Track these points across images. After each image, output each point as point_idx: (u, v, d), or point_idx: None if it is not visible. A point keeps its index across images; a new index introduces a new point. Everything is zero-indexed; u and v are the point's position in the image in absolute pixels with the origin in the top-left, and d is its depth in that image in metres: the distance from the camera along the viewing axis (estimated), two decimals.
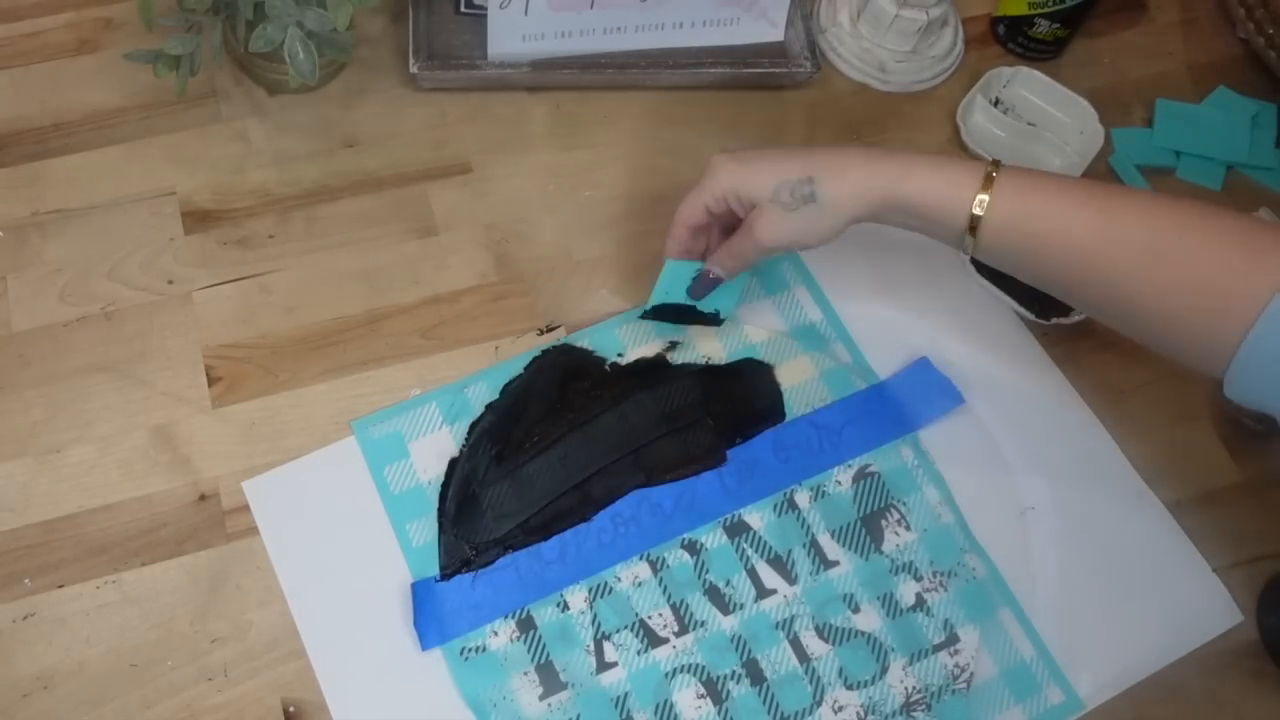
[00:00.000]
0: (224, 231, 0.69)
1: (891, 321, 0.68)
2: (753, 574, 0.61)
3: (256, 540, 0.60)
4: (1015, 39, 0.80)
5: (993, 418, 0.65)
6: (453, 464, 0.62)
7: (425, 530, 0.60)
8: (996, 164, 0.54)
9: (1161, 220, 0.50)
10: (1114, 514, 0.63)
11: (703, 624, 0.59)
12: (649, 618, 0.59)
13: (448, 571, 0.59)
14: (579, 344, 0.66)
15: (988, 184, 0.53)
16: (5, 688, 0.56)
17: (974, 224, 0.53)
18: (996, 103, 0.78)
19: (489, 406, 0.63)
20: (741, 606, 0.60)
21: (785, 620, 0.60)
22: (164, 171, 0.70)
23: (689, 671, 0.58)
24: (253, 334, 0.66)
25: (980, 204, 0.53)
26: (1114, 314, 0.53)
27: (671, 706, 0.57)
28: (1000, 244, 0.54)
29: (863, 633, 0.60)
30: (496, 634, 0.58)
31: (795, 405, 0.65)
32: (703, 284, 0.62)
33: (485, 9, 0.70)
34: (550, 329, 0.67)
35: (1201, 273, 0.49)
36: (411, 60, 0.72)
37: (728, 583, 0.60)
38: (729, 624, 0.59)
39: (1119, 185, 0.54)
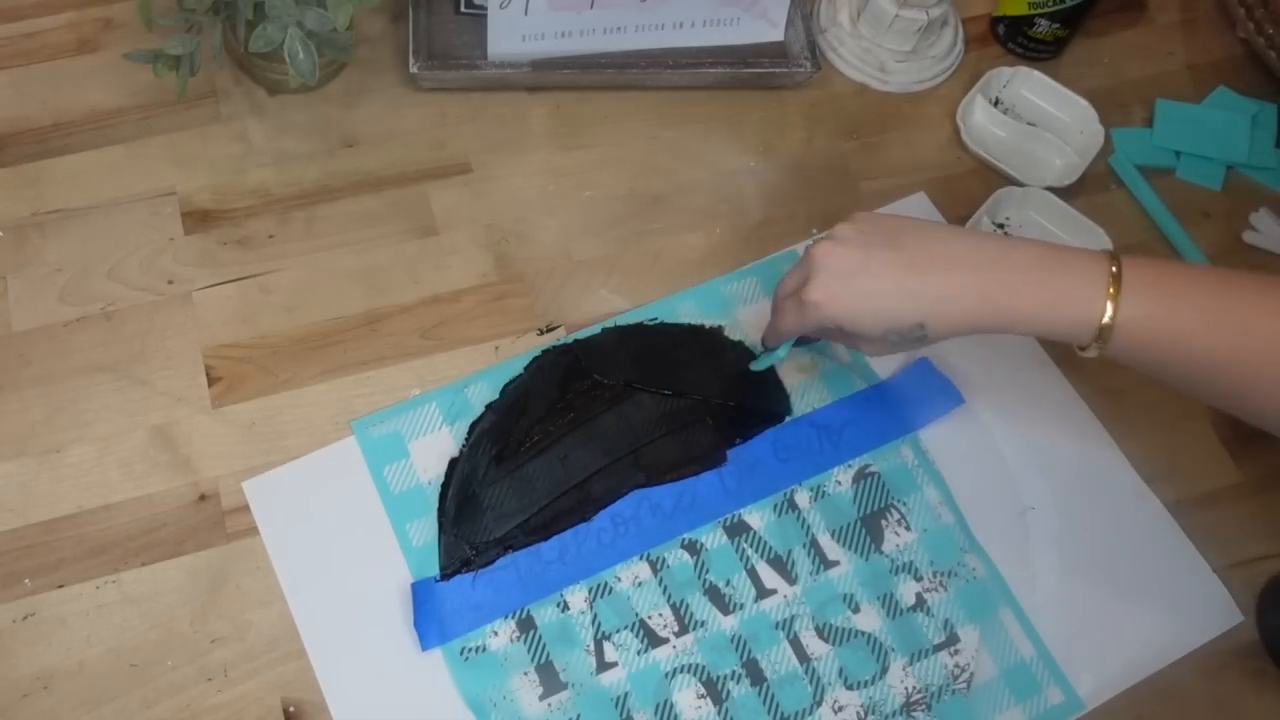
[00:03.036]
0: (224, 231, 0.69)
1: None
2: (753, 574, 0.61)
3: (256, 540, 0.60)
4: (1015, 39, 0.80)
5: (993, 418, 0.65)
6: (453, 464, 0.62)
7: (425, 530, 0.60)
8: (1118, 274, 0.50)
9: None
10: (1114, 514, 0.63)
11: (703, 624, 0.59)
12: (649, 618, 0.59)
13: (448, 571, 0.59)
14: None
15: (1106, 305, 0.50)
16: (5, 688, 0.56)
17: (1100, 335, 0.51)
18: (996, 103, 0.78)
19: (489, 406, 0.63)
20: (741, 606, 0.60)
21: (785, 620, 0.60)
22: (164, 171, 0.70)
23: (689, 671, 0.58)
24: (253, 334, 0.66)
25: (1102, 331, 0.50)
26: (1243, 411, 0.52)
27: (671, 706, 0.57)
28: (1126, 357, 0.51)
29: (863, 633, 0.60)
30: (496, 634, 0.58)
31: (795, 405, 0.65)
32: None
33: (485, 9, 0.70)
34: (550, 329, 0.67)
35: None
36: (411, 60, 0.72)
37: (728, 583, 0.60)
38: (729, 624, 0.59)
39: (1247, 279, 0.51)
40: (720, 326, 0.67)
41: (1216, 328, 0.49)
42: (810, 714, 0.58)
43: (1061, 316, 0.51)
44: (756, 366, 0.65)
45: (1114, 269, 0.50)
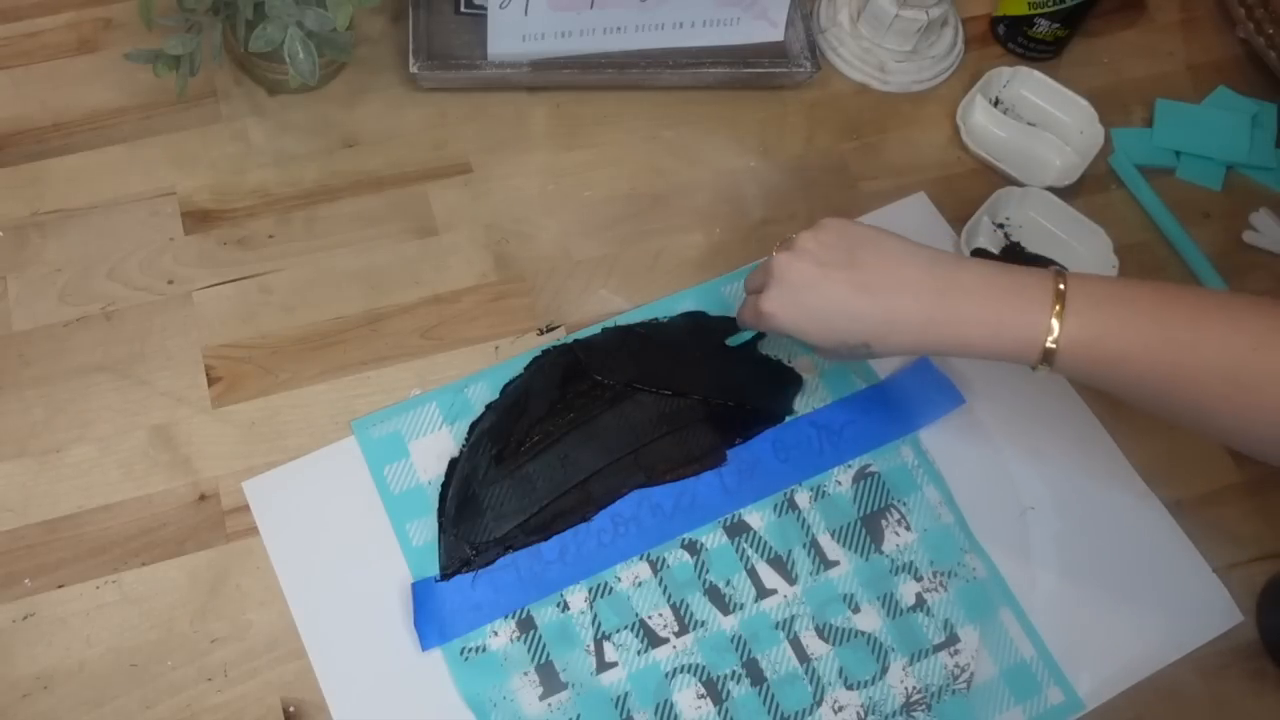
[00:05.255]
0: (224, 231, 0.69)
1: None
2: (753, 574, 0.61)
3: (256, 540, 0.60)
4: (1015, 39, 0.80)
5: (993, 418, 0.65)
6: (453, 464, 0.62)
7: (425, 530, 0.60)
8: (1062, 295, 0.51)
9: (1239, 339, 0.49)
10: (1114, 514, 0.63)
11: (703, 624, 0.59)
12: (649, 618, 0.59)
13: (448, 571, 0.59)
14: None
15: (1051, 324, 0.51)
16: (5, 688, 0.56)
17: (1045, 357, 0.51)
18: (996, 103, 0.78)
19: (489, 406, 0.63)
20: (741, 606, 0.60)
21: (785, 620, 0.60)
22: (164, 171, 0.70)
23: (689, 671, 0.58)
24: (253, 334, 0.66)
25: (1047, 354, 0.51)
26: (1195, 428, 0.53)
27: (671, 706, 0.57)
28: (1072, 373, 0.52)
29: (863, 633, 0.60)
30: (496, 634, 0.58)
31: (796, 405, 0.65)
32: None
33: (485, 9, 0.70)
34: (550, 329, 0.67)
35: None
36: (411, 60, 0.72)
37: (728, 583, 0.60)
38: (729, 624, 0.59)
39: (1192, 292, 0.52)
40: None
41: (1160, 348, 0.50)
42: (810, 714, 0.58)
43: (1004, 344, 0.52)
44: (732, 342, 0.66)
45: (1060, 287, 0.51)
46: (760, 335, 0.66)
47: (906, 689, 0.58)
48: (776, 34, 0.76)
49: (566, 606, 0.59)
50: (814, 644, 0.59)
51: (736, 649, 0.59)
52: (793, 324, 0.56)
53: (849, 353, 0.56)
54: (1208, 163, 0.76)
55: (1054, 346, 0.51)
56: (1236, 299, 0.52)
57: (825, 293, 0.54)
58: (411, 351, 0.66)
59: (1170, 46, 0.82)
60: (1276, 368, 0.48)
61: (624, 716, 0.57)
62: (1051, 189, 0.72)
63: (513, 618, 0.59)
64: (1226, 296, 0.52)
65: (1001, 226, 0.72)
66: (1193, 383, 0.50)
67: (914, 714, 0.58)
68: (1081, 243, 0.71)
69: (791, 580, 0.61)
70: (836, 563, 0.61)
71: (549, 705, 0.57)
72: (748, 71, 0.75)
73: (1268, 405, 0.49)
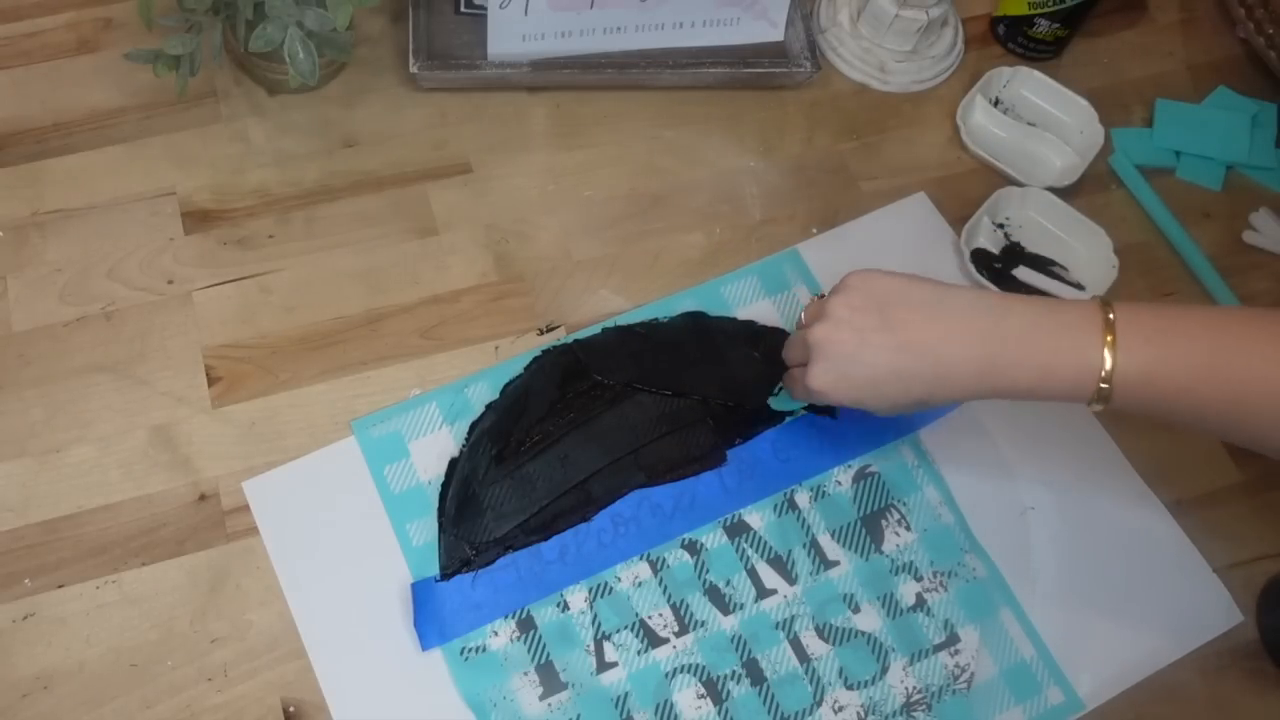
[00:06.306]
0: (224, 231, 0.69)
1: None
2: (753, 574, 0.61)
3: (256, 540, 0.60)
4: (1015, 39, 0.80)
5: (993, 418, 0.65)
6: (453, 464, 0.62)
7: (425, 530, 0.60)
8: (1111, 322, 0.49)
9: None
10: (1114, 514, 0.63)
11: (703, 624, 0.59)
12: (649, 618, 0.59)
13: (448, 571, 0.59)
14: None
15: (1104, 357, 0.49)
16: (5, 688, 0.56)
17: (1099, 395, 0.50)
18: (996, 103, 0.78)
19: (489, 406, 0.63)
20: (741, 606, 0.60)
21: (785, 620, 0.60)
22: (164, 171, 0.70)
23: (689, 671, 0.58)
24: (253, 334, 0.66)
25: (1101, 393, 0.49)
26: (1263, 451, 0.51)
27: (671, 706, 0.57)
28: (1129, 408, 0.50)
29: (863, 633, 0.60)
30: (496, 634, 0.58)
31: (796, 405, 0.65)
32: None
33: (485, 9, 0.70)
34: (550, 329, 0.67)
35: None
36: (411, 60, 0.72)
37: (728, 583, 0.60)
38: (729, 624, 0.59)
39: (1242, 313, 0.51)
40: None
41: (1220, 376, 0.48)
42: (810, 714, 0.58)
43: (1058, 386, 0.50)
44: (778, 405, 0.65)
45: (1109, 317, 0.50)
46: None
47: (906, 689, 0.58)
48: (776, 34, 0.76)
49: (566, 606, 0.59)
50: (814, 644, 0.59)
51: (736, 649, 0.59)
52: (846, 398, 0.54)
53: (906, 409, 0.55)
54: (1208, 163, 0.76)
55: (1107, 386, 0.49)
56: None
57: (869, 361, 0.53)
58: (411, 351, 0.66)
59: (1170, 46, 0.82)
60: None
61: (624, 716, 0.57)
62: (1051, 189, 0.72)
63: (513, 618, 0.59)
64: (1276, 314, 0.50)
65: (1001, 226, 0.72)
66: (1256, 411, 0.48)
67: (914, 714, 0.58)
68: (1081, 243, 0.71)
69: (791, 580, 0.61)
70: (836, 563, 0.61)
71: (549, 705, 0.57)
72: (748, 71, 0.75)
73: None
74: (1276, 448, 0.50)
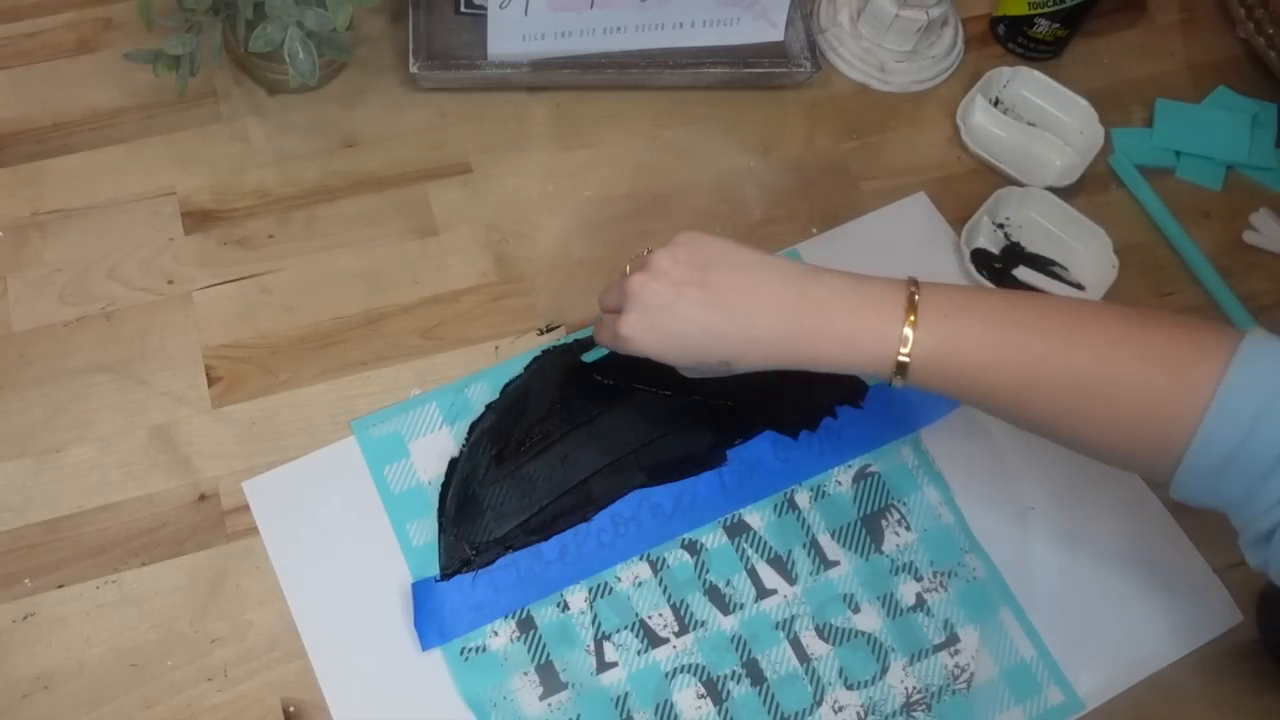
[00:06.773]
0: (224, 231, 0.69)
1: None
2: (753, 574, 0.61)
3: (256, 540, 0.60)
4: (1015, 39, 0.80)
5: (993, 418, 0.65)
6: (453, 464, 0.62)
7: (425, 530, 0.60)
8: (915, 302, 0.50)
9: (1085, 354, 0.48)
10: (1114, 514, 0.63)
11: (703, 624, 0.59)
12: (649, 618, 0.59)
13: (448, 571, 0.59)
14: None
15: (905, 334, 0.50)
16: (5, 688, 0.56)
17: (898, 369, 0.51)
18: (996, 103, 0.78)
19: (489, 406, 0.63)
20: (741, 606, 0.60)
21: (785, 620, 0.60)
22: (164, 171, 0.70)
23: (689, 671, 0.58)
24: (253, 334, 0.66)
25: (900, 366, 0.50)
26: (1051, 438, 0.52)
27: (671, 706, 0.57)
28: (925, 385, 0.51)
29: (863, 633, 0.60)
30: (496, 634, 0.58)
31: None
32: None
33: (485, 9, 0.70)
34: (550, 329, 0.67)
35: (1132, 404, 0.48)
36: (411, 60, 0.72)
37: (728, 583, 0.60)
38: (729, 624, 0.59)
39: (1042, 302, 0.52)
40: None
41: (1011, 360, 0.49)
42: (810, 714, 0.58)
43: (859, 358, 0.51)
44: (588, 358, 0.65)
45: (914, 297, 0.51)
46: None
47: (906, 689, 0.58)
48: (776, 34, 0.76)
49: (566, 606, 0.59)
50: (814, 644, 0.59)
51: (736, 649, 0.59)
52: (652, 347, 0.54)
53: (709, 370, 0.55)
54: (1208, 163, 0.76)
55: (907, 360, 0.50)
56: (1084, 308, 0.51)
57: (681, 314, 0.53)
58: (411, 351, 0.66)
59: (1170, 46, 0.82)
60: (1127, 376, 0.48)
61: (624, 716, 0.57)
62: (1051, 189, 0.72)
63: (513, 618, 0.59)
64: (1075, 306, 0.51)
65: (1001, 226, 0.72)
66: (1044, 394, 0.49)
67: (914, 714, 0.58)
68: (1081, 243, 0.71)
69: (791, 580, 0.61)
70: (836, 563, 0.61)
71: (549, 705, 0.57)
72: (748, 71, 0.75)
73: (1122, 417, 0.48)
74: (1060, 435, 0.51)
